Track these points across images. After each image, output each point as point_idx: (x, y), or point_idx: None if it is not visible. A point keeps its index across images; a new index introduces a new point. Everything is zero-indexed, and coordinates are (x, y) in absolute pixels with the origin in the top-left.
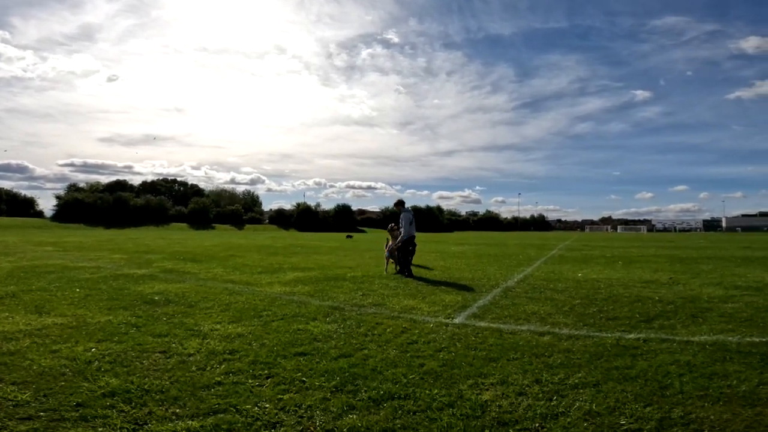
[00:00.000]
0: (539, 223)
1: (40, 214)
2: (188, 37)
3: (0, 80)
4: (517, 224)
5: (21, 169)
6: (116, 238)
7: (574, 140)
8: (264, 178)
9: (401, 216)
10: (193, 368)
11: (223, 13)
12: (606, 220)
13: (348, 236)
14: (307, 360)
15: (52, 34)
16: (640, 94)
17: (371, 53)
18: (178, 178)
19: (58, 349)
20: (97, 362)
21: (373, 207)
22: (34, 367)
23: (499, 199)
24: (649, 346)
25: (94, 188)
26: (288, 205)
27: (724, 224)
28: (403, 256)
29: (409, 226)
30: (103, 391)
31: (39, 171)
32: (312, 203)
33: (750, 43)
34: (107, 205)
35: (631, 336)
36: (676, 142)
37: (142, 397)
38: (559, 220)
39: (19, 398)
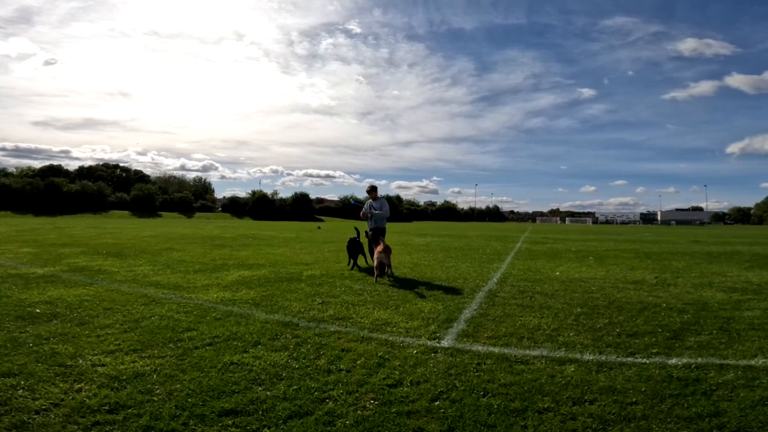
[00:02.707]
0: (494, 214)
1: None
2: (137, 21)
3: None
4: (474, 215)
5: None
6: (41, 227)
7: (527, 134)
8: (217, 165)
9: (379, 203)
10: None
11: None
12: (554, 212)
13: (318, 227)
14: (239, 425)
15: None
16: (586, 92)
17: (333, 42)
18: (121, 164)
19: None
20: None
21: (332, 195)
22: None
23: (456, 189)
24: (711, 378)
25: (24, 173)
26: (243, 193)
27: (659, 218)
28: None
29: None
30: None
31: None
32: (268, 191)
33: (687, 45)
34: (37, 191)
35: (675, 362)
36: (618, 138)
37: None
38: (512, 212)
39: None
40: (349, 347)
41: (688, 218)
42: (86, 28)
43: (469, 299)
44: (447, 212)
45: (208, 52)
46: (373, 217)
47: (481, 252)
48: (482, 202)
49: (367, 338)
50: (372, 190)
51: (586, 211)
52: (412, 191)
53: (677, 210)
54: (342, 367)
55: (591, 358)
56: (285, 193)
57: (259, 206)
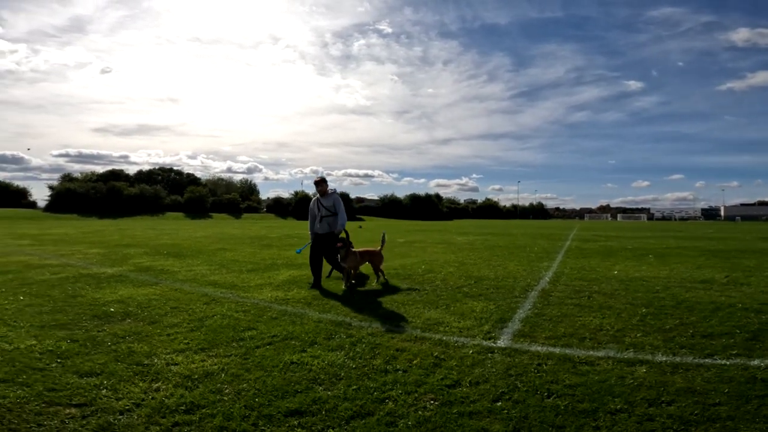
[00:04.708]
0: (538, 212)
1: (33, 205)
2: (181, 28)
3: None
4: (517, 212)
5: (16, 160)
6: (105, 229)
7: (571, 129)
8: (261, 166)
9: (336, 201)
10: None
11: (216, 3)
12: (604, 209)
13: (359, 227)
14: (304, 425)
15: (43, 26)
16: (633, 84)
17: (366, 43)
18: (174, 167)
19: None
20: None
21: (371, 195)
22: None
23: (497, 186)
24: None
25: (88, 178)
26: (286, 194)
27: (722, 213)
28: (333, 254)
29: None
30: None
31: (35, 162)
32: (310, 191)
33: (740, 35)
34: (101, 195)
35: (758, 363)
36: (671, 131)
37: None
38: (557, 209)
39: None
40: (403, 347)
41: (755, 213)
42: (134, 36)
43: (521, 299)
44: (488, 210)
45: (247, 56)
46: (322, 220)
47: (528, 250)
48: (525, 199)
49: (421, 338)
50: (320, 182)
51: (639, 207)
52: (451, 189)
53: (742, 205)
54: (398, 367)
55: (664, 359)
56: None
57: (302, 206)
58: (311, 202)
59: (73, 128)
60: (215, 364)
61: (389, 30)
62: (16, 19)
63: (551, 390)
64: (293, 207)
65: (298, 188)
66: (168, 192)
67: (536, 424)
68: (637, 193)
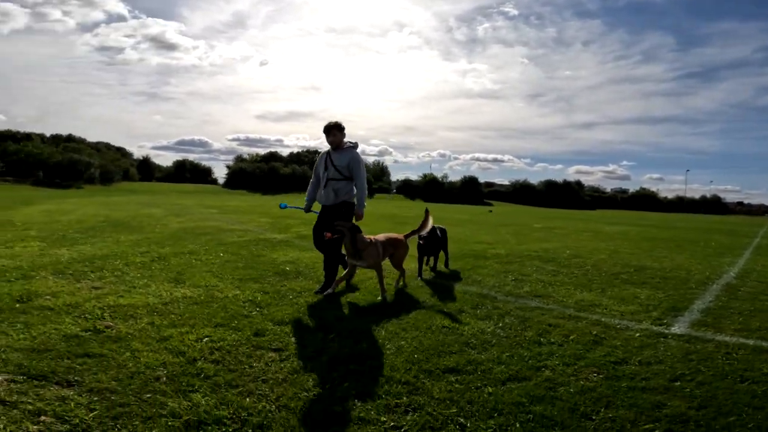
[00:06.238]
0: (713, 205)
1: (214, 182)
2: (318, 20)
3: (182, 68)
4: (683, 205)
5: (202, 144)
6: (267, 203)
7: (760, 113)
8: (391, 149)
9: (352, 159)
10: (310, 384)
11: None
12: None
13: (489, 211)
14: (461, 382)
15: (214, 22)
16: None
17: (492, 26)
18: (319, 150)
19: (169, 336)
20: (201, 362)
21: (501, 180)
22: (129, 365)
23: (655, 176)
24: None
25: (254, 159)
26: (414, 176)
27: None
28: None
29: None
30: (188, 417)
31: (215, 145)
32: (438, 174)
33: None
34: (263, 174)
35: None
36: None
37: None
38: (740, 203)
39: (82, 418)
40: (556, 323)
41: None
42: (282, 29)
43: (699, 291)
44: (643, 200)
45: (376, 44)
46: (328, 184)
47: (703, 245)
48: (695, 191)
49: (575, 317)
50: (332, 129)
51: None
52: (594, 177)
53: None
54: (552, 340)
55: None
56: (453, 177)
57: (430, 189)
58: (318, 159)
59: (241, 116)
60: (375, 322)
61: (515, 12)
62: (193, 16)
63: (745, 377)
64: (422, 189)
65: (426, 171)
66: None
67: (727, 404)
68: None
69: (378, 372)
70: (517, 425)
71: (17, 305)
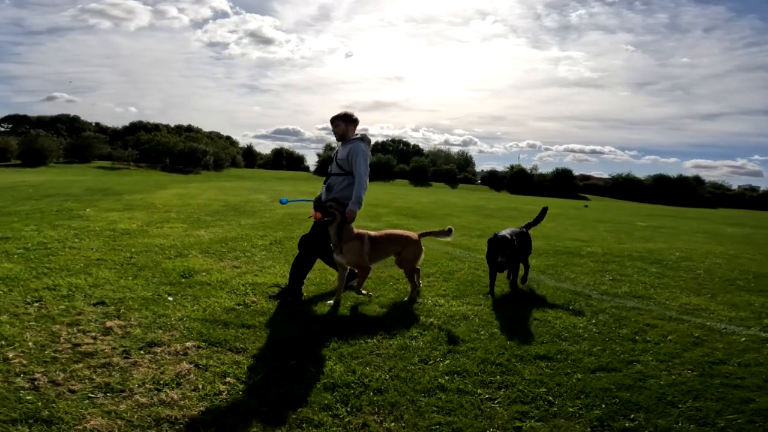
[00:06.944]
0: None
1: (307, 169)
2: (398, 10)
3: (277, 61)
4: None
5: (295, 133)
6: None
7: None
8: (476, 140)
9: (352, 150)
10: (415, 359)
11: None
12: None
13: (585, 206)
14: (551, 367)
15: (302, 16)
16: None
17: (588, 12)
18: (403, 139)
19: (299, 311)
20: (326, 335)
21: (599, 173)
22: (274, 336)
23: None
24: None
25: None
26: (500, 167)
27: None
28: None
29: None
30: (325, 381)
31: (307, 134)
32: (525, 166)
33: None
34: None
35: None
36: None
37: (360, 396)
38: None
39: (253, 379)
40: (654, 323)
41: None
42: (364, 20)
43: None
44: None
45: (458, 33)
46: (328, 180)
47: None
48: None
49: (676, 319)
50: (335, 119)
51: None
52: (718, 171)
53: None
54: (648, 339)
55: None
56: (543, 169)
57: (517, 180)
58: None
59: (329, 106)
60: (469, 310)
61: None
62: (284, 10)
63: None
64: (508, 180)
65: (513, 162)
66: (397, 161)
67: None
68: None
69: (474, 353)
70: (603, 406)
71: (183, 280)
